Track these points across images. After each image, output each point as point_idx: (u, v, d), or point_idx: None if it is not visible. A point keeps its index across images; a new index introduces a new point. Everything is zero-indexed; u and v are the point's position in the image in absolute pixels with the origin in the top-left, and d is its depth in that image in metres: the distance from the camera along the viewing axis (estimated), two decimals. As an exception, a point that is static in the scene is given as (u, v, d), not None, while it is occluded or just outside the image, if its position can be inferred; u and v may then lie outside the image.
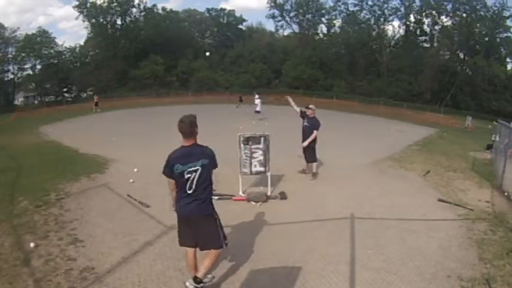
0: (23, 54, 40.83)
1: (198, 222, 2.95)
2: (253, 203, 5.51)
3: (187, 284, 3.08)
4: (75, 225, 4.56)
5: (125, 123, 17.44)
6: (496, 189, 6.68)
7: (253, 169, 5.82)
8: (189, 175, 2.83)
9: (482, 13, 36.45)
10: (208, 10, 50.68)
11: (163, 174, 2.92)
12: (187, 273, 3.27)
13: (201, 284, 3.00)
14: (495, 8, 35.96)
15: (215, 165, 2.99)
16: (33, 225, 4.52)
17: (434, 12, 38.97)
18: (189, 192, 2.86)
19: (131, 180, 6.60)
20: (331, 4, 43.60)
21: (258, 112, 17.65)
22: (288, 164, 7.78)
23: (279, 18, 46.19)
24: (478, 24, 36.80)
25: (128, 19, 45.33)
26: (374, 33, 41.88)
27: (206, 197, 2.95)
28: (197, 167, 2.84)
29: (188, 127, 2.83)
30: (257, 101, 18.02)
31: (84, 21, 43.58)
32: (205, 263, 3.00)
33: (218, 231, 3.02)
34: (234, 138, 6.04)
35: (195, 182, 2.85)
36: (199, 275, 2.98)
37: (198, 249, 3.07)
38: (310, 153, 7.01)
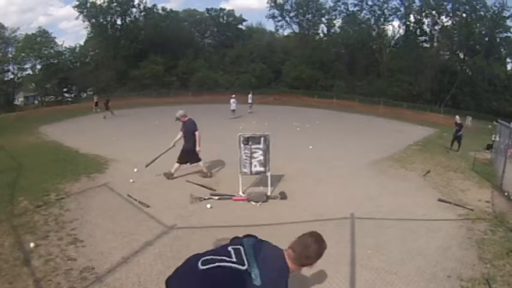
0: (23, 54, 40.73)
1: None
2: (253, 203, 5.51)
3: None
4: (75, 225, 4.57)
5: (124, 123, 17.42)
6: (496, 189, 6.69)
7: (253, 169, 5.81)
8: None
9: (482, 13, 36.45)
10: (208, 10, 50.59)
11: None
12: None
13: None
14: (495, 8, 35.98)
15: None
16: (33, 225, 4.52)
17: (434, 12, 38.95)
18: None
19: (131, 180, 6.60)
20: (331, 4, 43.65)
21: (233, 111, 19.14)
22: (287, 164, 7.78)
23: (279, 18, 46.26)
24: (478, 24, 36.80)
25: (127, 19, 45.33)
26: (374, 33, 41.88)
27: None
28: None
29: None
30: (232, 101, 19.34)
31: (84, 21, 43.61)
32: None
33: None
34: (234, 137, 6.03)
35: None
36: None
37: None
38: (193, 154, 6.70)
